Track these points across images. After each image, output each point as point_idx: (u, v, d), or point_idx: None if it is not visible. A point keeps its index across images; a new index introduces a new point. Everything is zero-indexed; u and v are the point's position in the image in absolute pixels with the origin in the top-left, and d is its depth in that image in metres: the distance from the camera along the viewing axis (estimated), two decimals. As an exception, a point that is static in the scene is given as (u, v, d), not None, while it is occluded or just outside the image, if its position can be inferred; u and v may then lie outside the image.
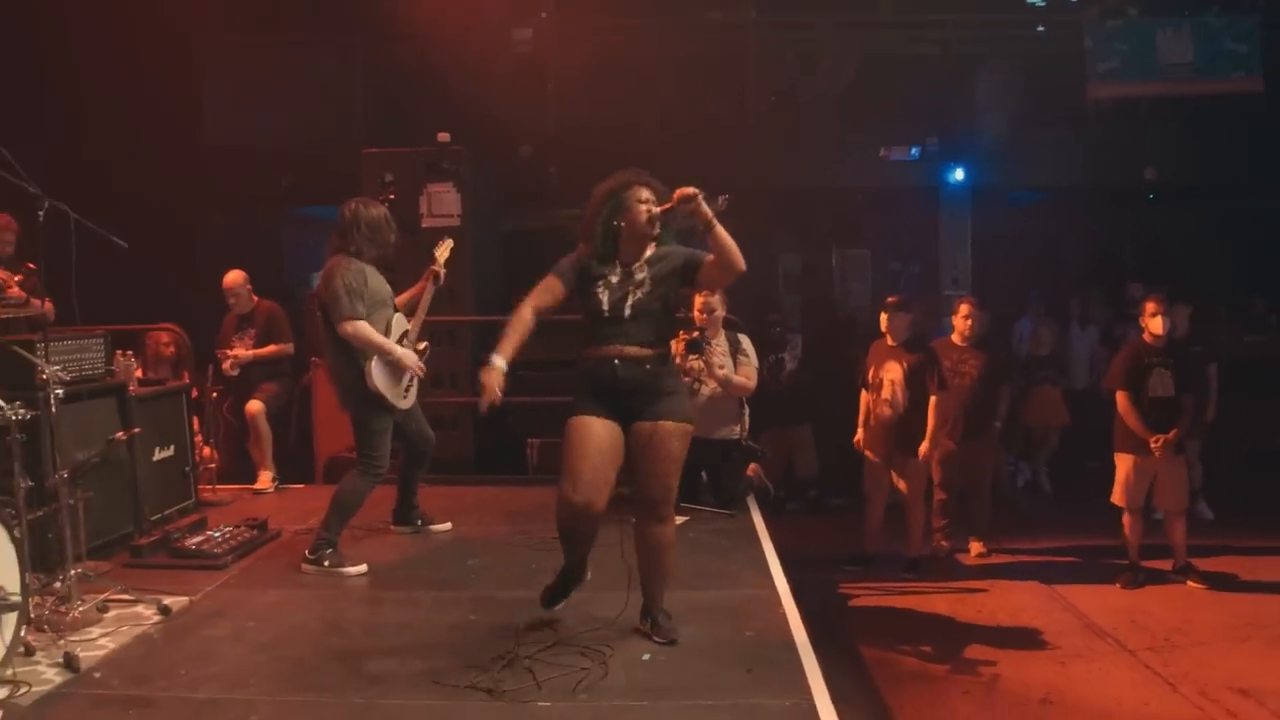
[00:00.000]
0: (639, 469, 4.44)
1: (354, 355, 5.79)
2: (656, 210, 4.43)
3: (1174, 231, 13.55)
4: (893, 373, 7.91)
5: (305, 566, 5.80)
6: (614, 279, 4.49)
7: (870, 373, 8.07)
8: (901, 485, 8.10)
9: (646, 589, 4.59)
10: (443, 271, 6.29)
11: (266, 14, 11.71)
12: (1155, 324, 7.61)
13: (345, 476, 6.09)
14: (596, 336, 4.48)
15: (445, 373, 8.57)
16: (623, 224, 4.49)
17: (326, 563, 5.78)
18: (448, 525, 6.70)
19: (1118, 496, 7.79)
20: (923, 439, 7.92)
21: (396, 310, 6.07)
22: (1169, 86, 12.32)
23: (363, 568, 5.81)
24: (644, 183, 4.54)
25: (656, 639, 4.44)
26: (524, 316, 4.54)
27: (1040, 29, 13.91)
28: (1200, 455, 9.56)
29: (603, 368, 4.43)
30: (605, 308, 4.42)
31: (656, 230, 4.48)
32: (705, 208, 4.21)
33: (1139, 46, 12.36)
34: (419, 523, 6.64)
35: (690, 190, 4.23)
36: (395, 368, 5.91)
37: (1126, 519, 7.81)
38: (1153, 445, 7.51)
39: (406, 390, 6.04)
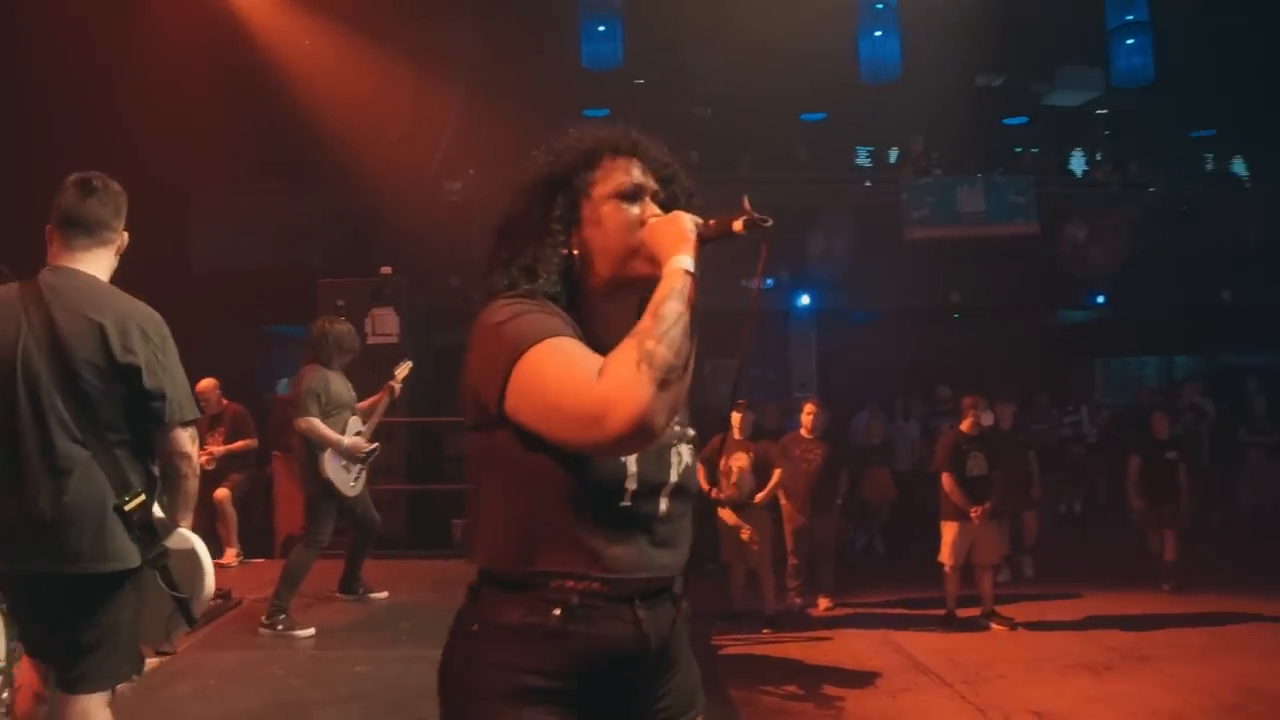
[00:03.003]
0: None
1: (313, 447, 5.70)
2: (696, 223, 1.67)
3: (974, 342, 13.91)
4: (739, 460, 7.92)
5: (262, 630, 5.58)
6: None
7: (720, 461, 7.99)
8: (750, 551, 8.05)
9: None
10: (399, 387, 6.25)
11: (246, 167, 11.63)
12: (986, 417, 7.82)
13: (292, 550, 5.94)
14: (588, 543, 1.60)
15: (384, 464, 8.38)
16: (588, 252, 1.73)
17: (280, 626, 5.57)
18: (385, 593, 6.50)
19: (944, 556, 7.84)
20: (767, 514, 8.09)
21: (355, 413, 5.99)
22: (967, 230, 12.72)
23: (311, 631, 5.61)
24: (630, 148, 1.77)
25: None
26: None
27: (866, 184, 14.34)
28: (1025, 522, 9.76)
29: (610, 625, 1.61)
30: (634, 483, 1.62)
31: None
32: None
33: (943, 199, 12.78)
34: (361, 591, 6.44)
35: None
36: (345, 460, 5.81)
37: (948, 574, 7.86)
38: (972, 514, 7.61)
39: (355, 480, 5.92)
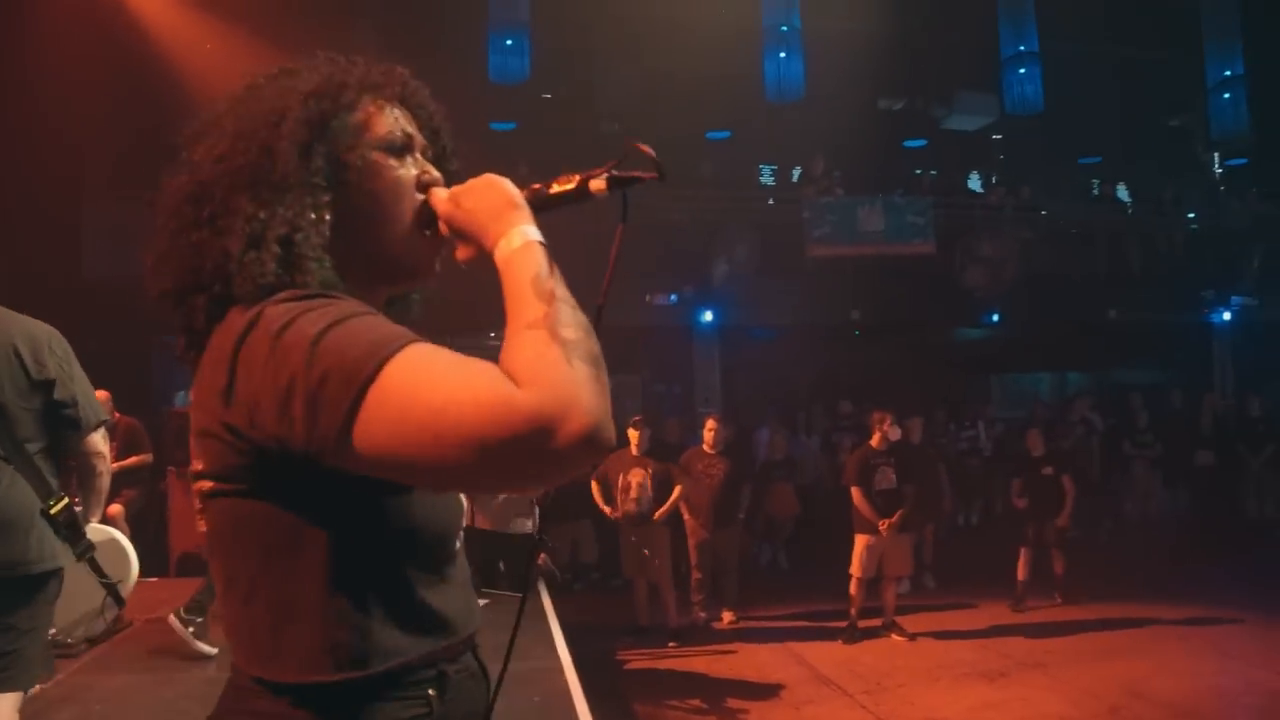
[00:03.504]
0: None
1: None
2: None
3: (874, 359, 14.17)
4: (638, 476, 7.93)
5: (172, 619, 5.32)
6: None
7: (618, 478, 7.96)
8: (650, 567, 8.04)
9: None
10: None
11: (142, 173, 11.24)
12: (894, 431, 7.92)
13: None
14: (436, 606, 1.27)
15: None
16: (353, 221, 1.29)
17: (191, 629, 5.31)
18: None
19: (855, 568, 7.90)
20: (667, 529, 8.10)
21: None
22: (867, 248, 12.98)
23: (214, 650, 5.40)
24: (397, 90, 1.40)
25: None
26: None
27: (770, 202, 14.55)
28: (935, 535, 10.04)
29: (471, 687, 1.34)
30: (465, 519, 1.44)
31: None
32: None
33: (844, 218, 13.05)
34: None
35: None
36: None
37: (854, 586, 7.93)
38: (881, 527, 7.72)
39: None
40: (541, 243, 1.22)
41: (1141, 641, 7.64)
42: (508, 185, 1.28)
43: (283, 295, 1.17)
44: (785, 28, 13.28)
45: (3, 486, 2.93)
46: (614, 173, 1.28)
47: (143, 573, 7.79)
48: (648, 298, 12.47)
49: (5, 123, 8.95)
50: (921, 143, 16.83)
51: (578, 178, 1.30)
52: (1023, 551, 8.64)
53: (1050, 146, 15.96)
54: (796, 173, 15.06)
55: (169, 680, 5.00)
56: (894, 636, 7.92)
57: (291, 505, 1.18)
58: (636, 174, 1.28)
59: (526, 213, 1.25)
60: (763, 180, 15.54)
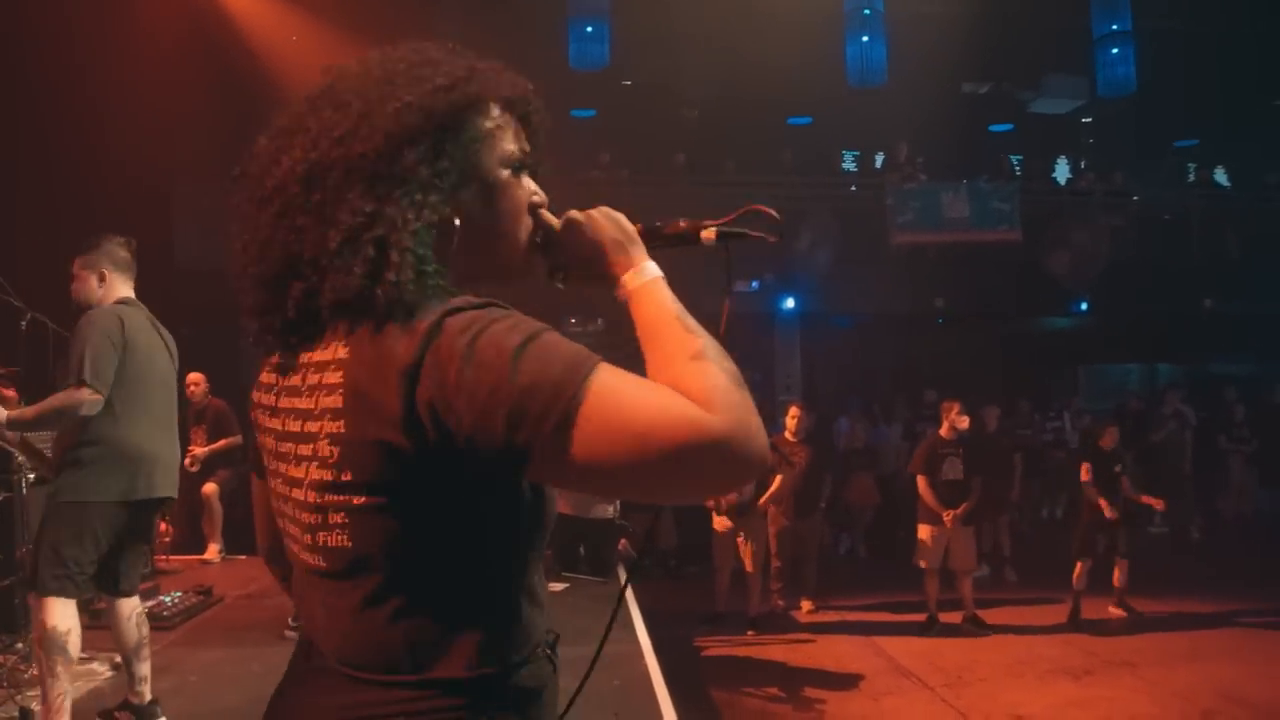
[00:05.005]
0: None
1: None
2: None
3: (957, 348, 13.97)
4: None
5: (288, 633, 5.45)
6: None
7: None
8: (745, 554, 8.02)
9: None
10: None
11: (230, 163, 11.57)
12: (961, 421, 7.80)
13: None
14: (540, 594, 1.32)
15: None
16: (473, 232, 1.25)
17: None
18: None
19: (919, 559, 7.88)
20: (765, 514, 8.03)
21: None
22: (951, 235, 12.80)
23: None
24: (523, 101, 1.33)
25: None
26: None
27: (853, 189, 14.40)
28: (1008, 527, 9.86)
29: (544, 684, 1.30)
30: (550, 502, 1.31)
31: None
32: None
33: (928, 204, 12.87)
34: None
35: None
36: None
37: (927, 576, 7.89)
38: (945, 518, 7.64)
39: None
40: (662, 277, 1.31)
41: (1235, 643, 7.45)
42: (623, 219, 1.36)
43: (458, 303, 1.15)
44: (867, 11, 13.11)
45: (175, 439, 4.19)
46: (723, 228, 1.36)
47: (232, 550, 8.12)
48: (737, 286, 12.45)
49: (97, 116, 9.25)
50: (1008, 127, 16.48)
51: (685, 223, 1.38)
52: (1079, 564, 8.05)
53: (1144, 130, 15.50)
54: (879, 158, 14.89)
55: (258, 655, 5.17)
56: (975, 630, 7.83)
57: (457, 513, 1.18)
58: (744, 231, 1.35)
59: (643, 248, 1.34)
60: (845, 166, 15.38)
